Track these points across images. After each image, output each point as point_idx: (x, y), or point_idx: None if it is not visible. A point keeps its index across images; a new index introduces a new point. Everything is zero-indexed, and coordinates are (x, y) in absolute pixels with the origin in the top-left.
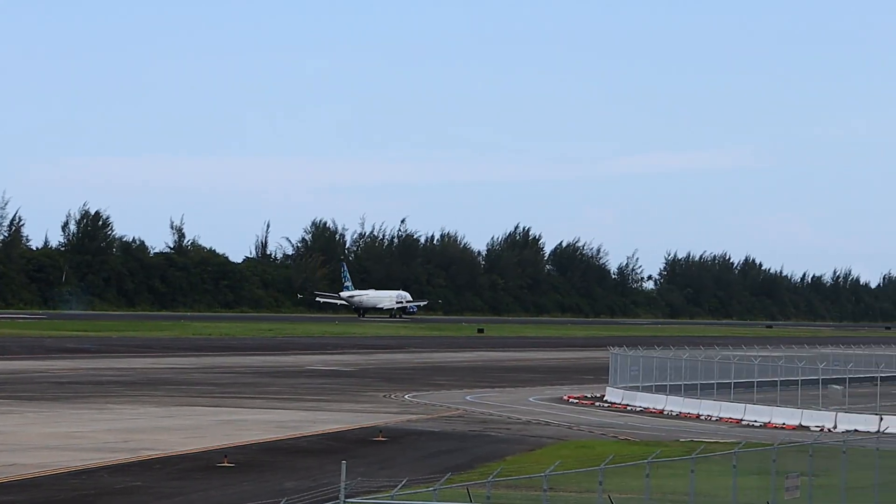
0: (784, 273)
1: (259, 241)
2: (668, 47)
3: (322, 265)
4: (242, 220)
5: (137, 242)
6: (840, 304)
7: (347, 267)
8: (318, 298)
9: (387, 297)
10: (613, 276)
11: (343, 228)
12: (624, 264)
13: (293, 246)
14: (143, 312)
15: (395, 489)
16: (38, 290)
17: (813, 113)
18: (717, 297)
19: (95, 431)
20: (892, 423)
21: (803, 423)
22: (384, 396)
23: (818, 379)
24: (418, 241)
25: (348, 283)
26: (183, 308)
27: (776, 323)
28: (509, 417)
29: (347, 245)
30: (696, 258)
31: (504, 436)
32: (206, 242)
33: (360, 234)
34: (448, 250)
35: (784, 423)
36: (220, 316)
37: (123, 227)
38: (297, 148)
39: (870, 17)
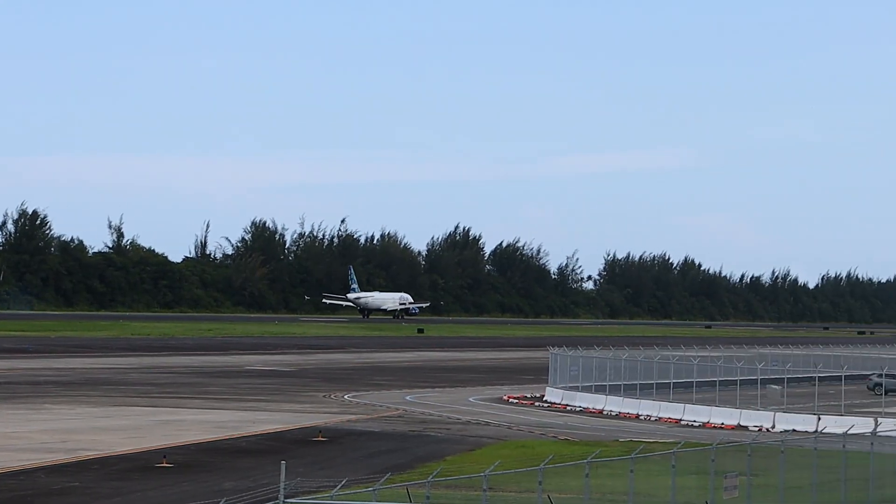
0: (723, 273)
1: (198, 240)
2: (608, 48)
3: (262, 265)
4: (182, 220)
5: (76, 242)
6: (778, 304)
7: (354, 271)
8: (324, 300)
9: (390, 300)
10: (553, 277)
11: (283, 228)
12: (564, 264)
13: (233, 246)
14: (81, 312)
15: (335, 489)
16: None
17: (752, 114)
18: (656, 297)
19: (33, 432)
20: (831, 422)
21: (742, 423)
22: (324, 396)
23: (757, 379)
24: (358, 241)
25: (355, 286)
26: (122, 308)
27: (715, 323)
28: (449, 417)
29: (287, 245)
30: (636, 258)
31: (444, 436)
32: (145, 242)
33: (300, 234)
34: (388, 250)
35: (723, 423)
36: (159, 316)
37: (62, 227)
38: (236, 148)
39: (809, 22)
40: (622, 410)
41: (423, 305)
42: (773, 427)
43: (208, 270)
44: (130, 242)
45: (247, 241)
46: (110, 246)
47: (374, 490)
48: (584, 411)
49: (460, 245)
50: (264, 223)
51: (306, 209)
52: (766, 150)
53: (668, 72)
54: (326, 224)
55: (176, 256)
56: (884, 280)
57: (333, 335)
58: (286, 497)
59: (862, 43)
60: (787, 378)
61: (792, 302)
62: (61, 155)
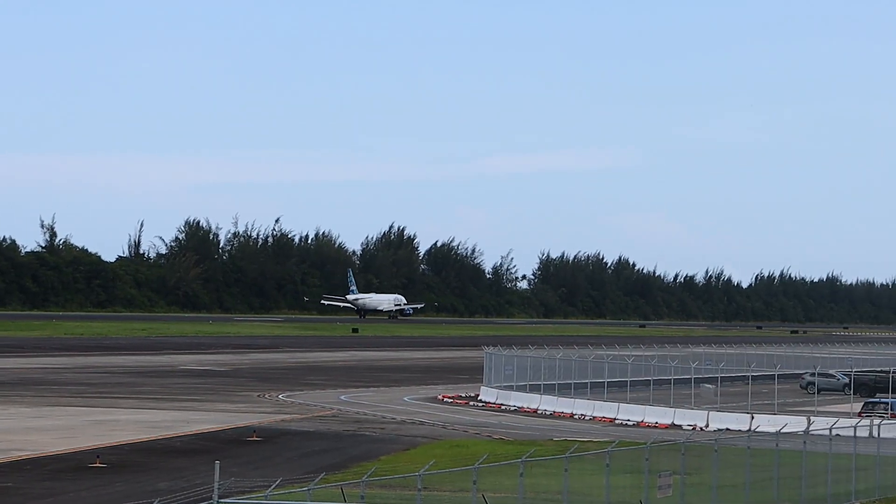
0: (657, 273)
1: (132, 240)
2: (542, 48)
3: (196, 264)
4: (115, 220)
5: (8, 241)
6: (712, 303)
7: (353, 273)
8: (323, 301)
9: (386, 301)
10: (488, 276)
11: (217, 228)
12: (498, 264)
13: (166, 245)
14: (13, 312)
15: (269, 489)
16: None
17: (685, 115)
18: (590, 296)
19: None
20: (764, 421)
21: (676, 422)
22: (258, 396)
23: (691, 378)
24: (293, 240)
25: (353, 287)
26: (55, 308)
27: (649, 322)
28: (384, 417)
29: (221, 244)
30: (570, 258)
31: (378, 435)
32: (78, 241)
33: (234, 233)
34: (323, 250)
35: (657, 422)
36: (92, 315)
37: None
38: (169, 146)
39: (739, 24)
40: (556, 410)
41: (418, 306)
42: (707, 426)
43: (142, 270)
44: (63, 242)
45: (181, 241)
46: (43, 245)
47: (308, 490)
48: (519, 410)
49: (395, 245)
50: (198, 222)
51: (240, 208)
52: (699, 151)
53: (601, 72)
54: (260, 223)
55: (109, 256)
56: (816, 279)
57: (268, 335)
58: (220, 497)
59: (796, 44)
60: (721, 377)
61: (725, 301)
62: None
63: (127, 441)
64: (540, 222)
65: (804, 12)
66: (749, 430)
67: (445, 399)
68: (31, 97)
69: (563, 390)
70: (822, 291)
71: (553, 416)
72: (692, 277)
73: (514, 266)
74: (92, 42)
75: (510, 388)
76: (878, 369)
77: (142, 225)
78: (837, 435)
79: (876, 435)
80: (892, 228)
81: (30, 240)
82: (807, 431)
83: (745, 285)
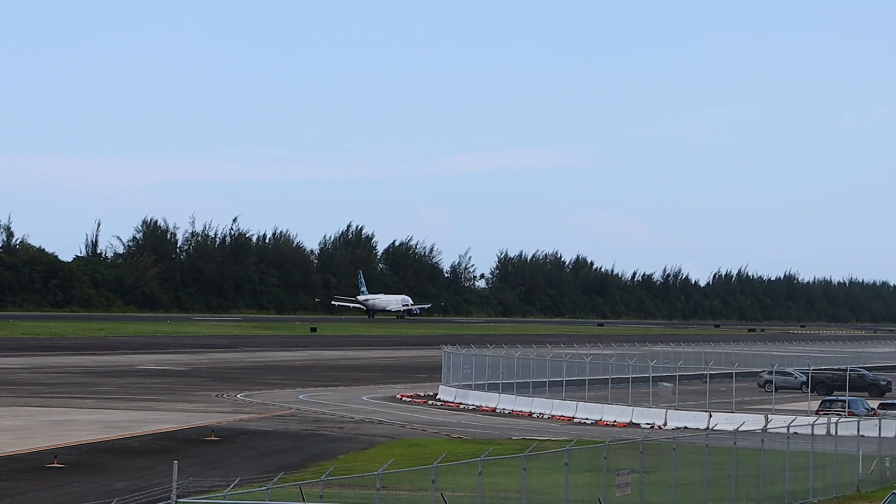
0: (615, 272)
1: (89, 239)
2: (499, 47)
3: (153, 264)
4: (72, 219)
5: None
6: (670, 302)
7: (364, 274)
8: (333, 302)
9: (394, 301)
10: (446, 275)
11: (174, 227)
12: (457, 263)
13: (124, 245)
14: None
15: (228, 489)
16: None
17: (643, 114)
18: (548, 295)
19: None
20: (722, 419)
21: (634, 421)
22: (216, 396)
23: (649, 377)
24: (250, 239)
25: (363, 289)
26: (11, 308)
27: (607, 321)
28: (342, 416)
29: (179, 244)
30: (529, 257)
31: (337, 434)
32: (35, 241)
33: (192, 233)
34: (281, 249)
35: (615, 421)
36: (49, 315)
37: None
38: (128, 145)
39: (699, 23)
40: (515, 408)
41: (425, 306)
42: (665, 424)
43: (99, 270)
44: (20, 242)
45: (138, 240)
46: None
47: (266, 489)
48: (478, 409)
49: (353, 244)
50: (155, 222)
51: (198, 208)
52: (657, 150)
53: (559, 70)
54: (218, 223)
55: (66, 256)
56: (773, 278)
57: (226, 334)
58: (179, 497)
59: (756, 43)
60: (679, 376)
61: (683, 300)
62: None
63: (85, 441)
64: (498, 221)
65: (765, 11)
66: (707, 428)
67: (404, 398)
68: None
69: (522, 389)
70: (779, 290)
71: (512, 414)
72: (650, 276)
73: (473, 265)
74: (49, 42)
75: (469, 387)
76: (835, 367)
77: (99, 224)
78: (795, 433)
79: (833, 433)
80: (848, 227)
81: None
82: (764, 430)
83: (702, 284)
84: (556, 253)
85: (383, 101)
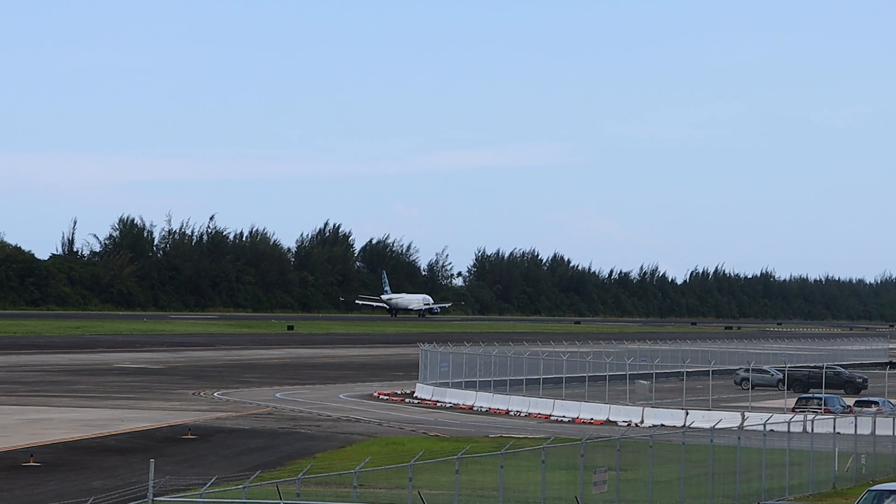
0: (592, 269)
1: (66, 238)
2: (477, 44)
3: (130, 262)
4: (49, 217)
5: None
6: (647, 300)
7: (387, 274)
8: (357, 301)
9: (415, 300)
10: (423, 273)
11: (151, 225)
12: (434, 261)
13: (101, 243)
14: None
15: (205, 487)
16: None
17: (620, 111)
18: (526, 293)
19: None
20: (698, 417)
21: (611, 418)
22: (193, 394)
23: (626, 374)
24: (227, 238)
25: (387, 288)
26: None
27: (584, 319)
28: (319, 414)
29: (155, 242)
30: (506, 255)
31: (314, 433)
32: (11, 239)
33: (169, 231)
34: (257, 247)
35: (592, 418)
36: (26, 314)
37: None
38: (104, 143)
39: (674, 20)
40: (492, 406)
41: (446, 305)
42: (642, 422)
43: (76, 268)
44: None
45: (114, 239)
46: None
47: (244, 488)
48: (455, 407)
49: (330, 241)
50: (132, 220)
51: (174, 206)
52: (634, 147)
53: (536, 68)
54: (195, 221)
55: (43, 254)
56: (750, 276)
57: (203, 332)
58: (155, 496)
59: (733, 40)
60: (656, 373)
61: (660, 297)
62: None
63: (61, 440)
64: (475, 219)
65: (740, 9)
66: (684, 425)
67: (381, 396)
68: None
69: (499, 387)
70: (755, 288)
71: (489, 412)
72: (627, 274)
73: (450, 263)
74: (24, 40)
75: (446, 384)
76: (812, 365)
77: (75, 223)
78: (771, 430)
79: (809, 430)
80: (824, 225)
81: None
82: (741, 427)
83: (679, 282)
84: (534, 251)
85: (360, 98)
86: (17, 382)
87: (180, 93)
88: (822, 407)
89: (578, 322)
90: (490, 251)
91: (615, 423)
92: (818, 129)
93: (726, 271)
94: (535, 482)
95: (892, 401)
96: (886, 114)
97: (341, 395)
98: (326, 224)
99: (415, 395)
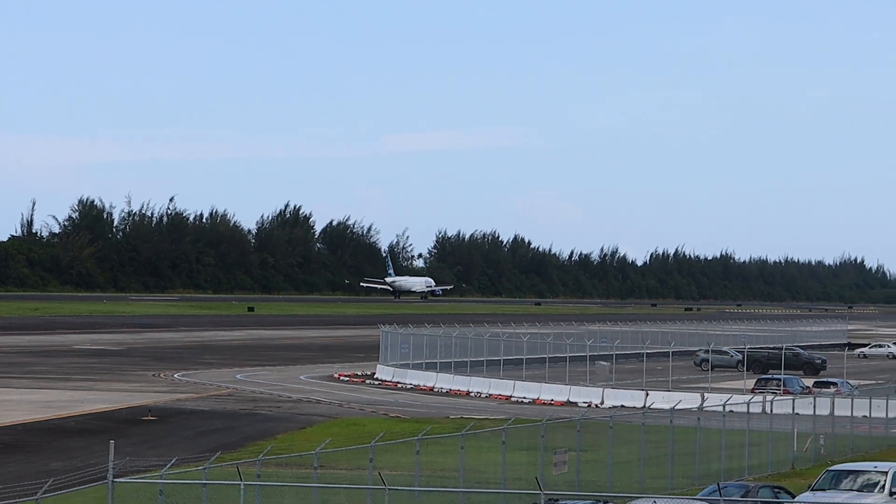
0: (552, 251)
1: (24, 219)
2: (438, 26)
3: (89, 244)
4: (7, 198)
5: None
6: (607, 281)
7: (391, 256)
8: (362, 283)
9: (418, 283)
10: (384, 255)
11: (111, 207)
12: (395, 242)
13: (60, 224)
14: None
15: (165, 468)
16: None
17: (579, 94)
18: (486, 275)
19: None
20: (658, 398)
21: (572, 399)
22: (153, 375)
23: (586, 356)
24: (187, 219)
25: (391, 271)
26: None
27: (545, 300)
28: (280, 396)
29: (115, 223)
30: (467, 236)
31: (275, 414)
32: None
33: (128, 212)
34: (218, 228)
35: (553, 399)
36: None
37: None
38: (63, 125)
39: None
40: (453, 387)
41: (447, 287)
42: (602, 403)
43: (35, 249)
44: None
45: (74, 220)
46: None
47: (204, 469)
48: (415, 388)
49: (290, 223)
50: (92, 202)
51: (134, 188)
52: (595, 130)
53: (497, 51)
54: (155, 202)
55: (1, 235)
56: (710, 257)
57: (163, 314)
58: (115, 477)
59: (694, 24)
60: (616, 354)
61: (620, 279)
62: None
63: (20, 421)
64: (436, 201)
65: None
66: (644, 406)
67: (342, 377)
68: None
69: (460, 368)
70: (715, 269)
71: (449, 393)
72: (587, 256)
73: (411, 244)
74: None
75: (406, 366)
76: (771, 346)
77: (34, 204)
78: (731, 411)
79: (768, 411)
80: (783, 207)
81: None
82: (701, 408)
83: (639, 263)
84: (494, 232)
85: (321, 80)
86: None
87: (140, 74)
88: (781, 388)
89: (539, 303)
90: (451, 233)
91: (575, 404)
92: (778, 112)
93: (686, 253)
94: (495, 463)
95: (850, 382)
96: (846, 98)
97: (302, 377)
98: (287, 206)
99: (375, 376)
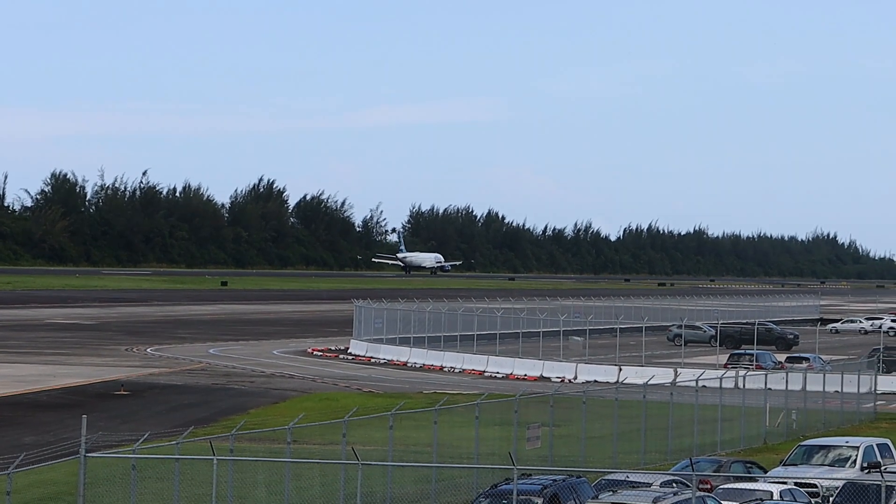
0: (526, 226)
1: None
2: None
3: (62, 217)
4: None
5: None
6: (581, 256)
7: (402, 234)
8: (374, 259)
9: (428, 259)
10: (358, 229)
11: (84, 180)
12: (369, 217)
13: (32, 198)
14: None
15: (137, 443)
16: None
17: (553, 68)
18: (460, 249)
19: None
20: (631, 373)
21: (545, 374)
22: (126, 350)
23: (560, 331)
24: (160, 193)
25: (402, 247)
26: None
27: (518, 275)
28: (253, 370)
29: (88, 197)
30: (440, 211)
31: (248, 389)
32: None
33: (101, 186)
34: (191, 203)
35: (526, 375)
36: None
37: None
38: (36, 97)
39: None
40: (426, 362)
41: (457, 263)
42: (576, 378)
43: (6, 223)
44: None
45: (46, 194)
46: None
47: (176, 443)
48: (389, 363)
49: (264, 197)
50: (64, 175)
51: (107, 161)
52: (569, 104)
53: (469, 24)
54: (128, 176)
55: None
56: (683, 232)
57: (136, 288)
58: (88, 451)
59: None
60: (589, 330)
61: (594, 254)
62: None
63: None
64: (410, 176)
65: None
66: (617, 381)
67: (315, 352)
68: None
69: (433, 343)
70: (689, 244)
71: (423, 368)
72: (561, 231)
73: (384, 219)
74: None
75: (380, 341)
76: (744, 321)
77: (6, 177)
78: (703, 386)
79: (741, 386)
80: (757, 182)
81: None
82: (673, 383)
83: (613, 238)
84: (468, 207)
85: (295, 54)
86: None
87: (114, 47)
88: (754, 363)
89: (513, 278)
90: (425, 207)
91: (549, 379)
92: (750, 86)
93: (660, 228)
94: (468, 438)
95: (822, 357)
96: (817, 72)
97: (275, 351)
98: (261, 180)
99: (349, 351)
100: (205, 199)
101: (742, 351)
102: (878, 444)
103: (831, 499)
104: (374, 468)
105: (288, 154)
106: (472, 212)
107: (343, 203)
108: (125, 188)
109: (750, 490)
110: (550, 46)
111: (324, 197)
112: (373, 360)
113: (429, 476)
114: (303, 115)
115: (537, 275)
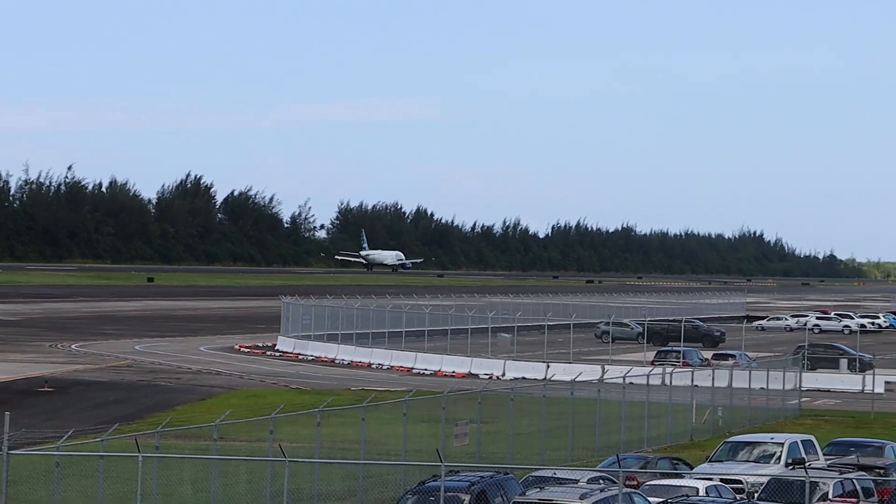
0: (455, 223)
1: None
2: None
3: None
4: None
5: None
6: (510, 253)
7: (365, 231)
8: (337, 256)
9: (389, 256)
10: (286, 226)
11: (7, 175)
12: (297, 213)
13: None
14: None
15: (62, 440)
16: None
17: (481, 65)
18: (389, 246)
19: None
20: (559, 370)
21: (473, 371)
22: (50, 346)
23: (488, 328)
24: (86, 188)
25: (365, 245)
26: None
27: (447, 272)
28: (180, 367)
29: (12, 192)
30: (369, 208)
31: (174, 385)
32: None
33: (26, 180)
34: (117, 198)
35: (454, 371)
36: None
37: None
38: None
39: None
40: (354, 359)
41: (417, 261)
42: (504, 375)
43: None
44: None
45: None
46: None
47: (101, 441)
48: (317, 360)
49: (191, 193)
50: None
51: (32, 155)
52: (497, 101)
53: (398, 20)
54: (54, 171)
55: None
56: (611, 230)
57: (61, 284)
58: (11, 449)
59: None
60: (518, 327)
61: (523, 251)
62: None
63: None
64: (338, 172)
65: None
66: (545, 378)
67: (242, 349)
68: None
69: (361, 340)
70: (616, 242)
71: (351, 365)
72: (490, 227)
73: (313, 215)
74: None
75: (308, 337)
76: (671, 318)
77: None
78: (631, 383)
79: (668, 383)
80: (684, 180)
81: None
82: (601, 380)
83: (541, 235)
84: (397, 204)
85: (221, 49)
86: None
87: (39, 41)
88: (681, 360)
89: (441, 275)
90: (353, 204)
91: (477, 375)
92: (682, 85)
93: (588, 225)
94: (396, 435)
95: (748, 354)
96: (746, 71)
97: (202, 348)
98: (188, 175)
99: (276, 347)
100: (131, 194)
101: (669, 348)
102: (802, 441)
103: (756, 495)
104: (301, 465)
105: (216, 150)
106: (402, 208)
107: (272, 199)
108: (50, 183)
109: (676, 486)
110: (479, 44)
111: (252, 193)
112: (300, 357)
113: (356, 473)
114: (231, 110)
115: (466, 272)
